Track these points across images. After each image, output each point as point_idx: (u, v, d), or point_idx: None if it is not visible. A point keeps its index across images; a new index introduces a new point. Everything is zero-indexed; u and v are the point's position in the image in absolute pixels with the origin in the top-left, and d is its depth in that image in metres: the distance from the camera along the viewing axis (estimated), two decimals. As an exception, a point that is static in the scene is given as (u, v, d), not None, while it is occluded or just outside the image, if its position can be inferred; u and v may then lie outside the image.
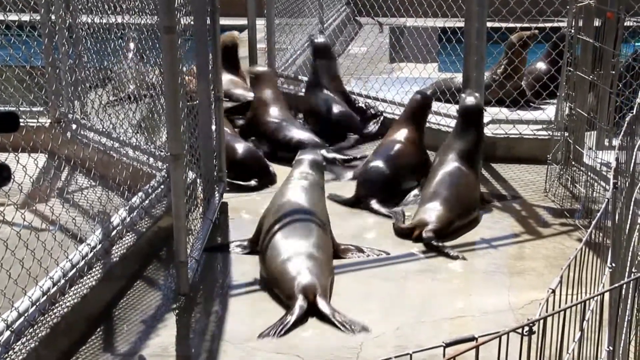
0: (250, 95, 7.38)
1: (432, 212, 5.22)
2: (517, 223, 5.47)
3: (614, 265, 2.53)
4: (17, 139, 4.18)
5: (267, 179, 6.16)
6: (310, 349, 3.92)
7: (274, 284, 4.39)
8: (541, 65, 7.97)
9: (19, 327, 3.57)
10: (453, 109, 6.52)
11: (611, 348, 2.44)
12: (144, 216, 4.98)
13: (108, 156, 5.81)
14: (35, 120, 5.78)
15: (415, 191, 5.85)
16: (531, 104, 7.38)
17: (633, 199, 3.11)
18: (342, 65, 9.24)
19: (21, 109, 5.83)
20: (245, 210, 5.76)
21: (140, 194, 5.07)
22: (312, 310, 4.11)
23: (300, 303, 4.10)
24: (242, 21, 9.26)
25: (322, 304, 4.13)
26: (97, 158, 5.39)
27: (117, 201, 5.20)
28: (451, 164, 5.56)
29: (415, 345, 3.89)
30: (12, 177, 2.42)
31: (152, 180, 5.34)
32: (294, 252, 4.40)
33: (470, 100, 5.79)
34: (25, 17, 5.84)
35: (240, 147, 6.26)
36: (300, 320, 4.05)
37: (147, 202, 5.06)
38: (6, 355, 3.43)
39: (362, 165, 6.13)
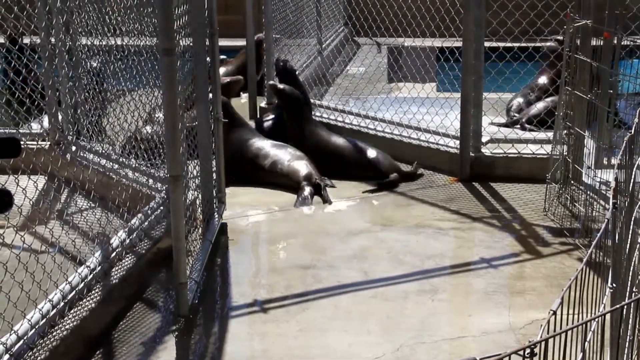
0: None
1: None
2: (517, 242, 5.47)
3: (614, 285, 2.52)
4: (17, 161, 4.18)
5: None
6: (310, 370, 3.91)
7: (285, 179, 6.55)
8: (544, 80, 8.09)
9: (18, 350, 3.55)
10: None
11: (613, 369, 2.43)
12: (144, 238, 4.98)
13: (107, 178, 5.82)
14: (35, 142, 5.79)
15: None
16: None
17: (633, 218, 3.11)
18: (340, 86, 9.29)
19: (21, 131, 5.85)
20: (244, 231, 5.76)
21: (139, 215, 5.07)
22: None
23: (307, 185, 6.38)
24: (241, 42, 9.31)
25: (321, 184, 6.41)
26: (96, 180, 5.40)
27: (116, 223, 5.20)
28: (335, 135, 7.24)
29: (416, 367, 3.87)
30: (13, 201, 2.42)
31: (151, 202, 5.34)
32: (293, 157, 6.67)
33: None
34: (26, 40, 5.87)
35: None
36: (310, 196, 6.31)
37: (146, 223, 5.05)
38: (5, 378, 3.42)
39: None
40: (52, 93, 6.27)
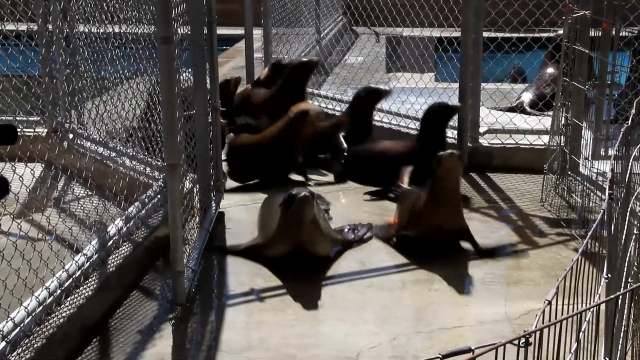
0: None
1: None
2: (514, 233, 5.47)
3: (610, 275, 2.53)
4: (14, 148, 4.18)
5: None
6: (307, 359, 3.92)
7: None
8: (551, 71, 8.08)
9: (14, 337, 3.56)
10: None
11: (608, 359, 2.44)
12: (141, 226, 4.98)
13: (105, 166, 5.81)
14: (32, 130, 5.78)
15: None
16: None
17: (629, 209, 3.12)
18: (339, 75, 9.27)
19: (18, 118, 5.83)
20: (242, 220, 5.76)
21: (136, 203, 5.07)
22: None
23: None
24: (240, 31, 9.30)
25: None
26: (93, 167, 5.39)
27: (113, 211, 5.20)
28: None
29: (411, 356, 3.89)
30: (10, 188, 2.42)
31: (148, 190, 5.34)
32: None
33: None
34: (23, 27, 5.85)
35: None
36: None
37: (143, 211, 5.06)
38: (2, 365, 3.42)
39: None
40: (50, 80, 6.25)
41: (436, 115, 6.33)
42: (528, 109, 7.70)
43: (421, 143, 6.33)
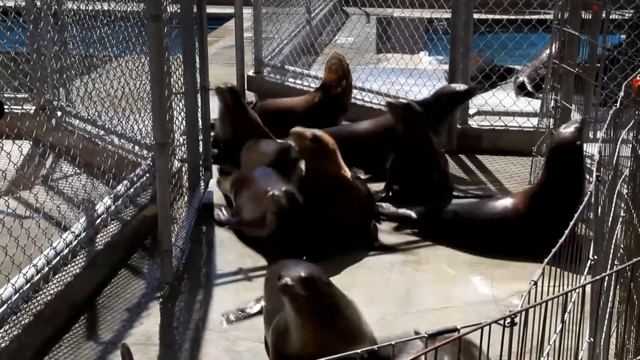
0: None
1: None
2: (502, 214, 5.48)
3: (596, 257, 2.55)
4: (1, 125, 4.15)
5: None
6: (294, 338, 3.93)
7: None
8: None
9: (2, 314, 3.56)
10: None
11: (592, 340, 2.46)
12: (129, 204, 4.97)
13: (93, 144, 5.79)
14: (20, 107, 5.75)
15: None
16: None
17: (616, 192, 3.13)
18: (329, 56, 9.22)
19: (5, 95, 5.80)
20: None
21: (125, 182, 5.06)
22: None
23: None
24: (229, 9, 9.23)
25: None
26: (82, 146, 5.37)
27: (101, 189, 5.18)
28: None
29: (398, 336, 3.91)
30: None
31: (137, 169, 5.32)
32: None
33: None
34: (10, 3, 5.79)
35: None
36: None
37: (132, 190, 5.05)
38: (-11, 342, 3.42)
39: None
40: (38, 57, 6.20)
41: (569, 147, 4.53)
42: (530, 88, 7.63)
43: (549, 190, 4.61)
